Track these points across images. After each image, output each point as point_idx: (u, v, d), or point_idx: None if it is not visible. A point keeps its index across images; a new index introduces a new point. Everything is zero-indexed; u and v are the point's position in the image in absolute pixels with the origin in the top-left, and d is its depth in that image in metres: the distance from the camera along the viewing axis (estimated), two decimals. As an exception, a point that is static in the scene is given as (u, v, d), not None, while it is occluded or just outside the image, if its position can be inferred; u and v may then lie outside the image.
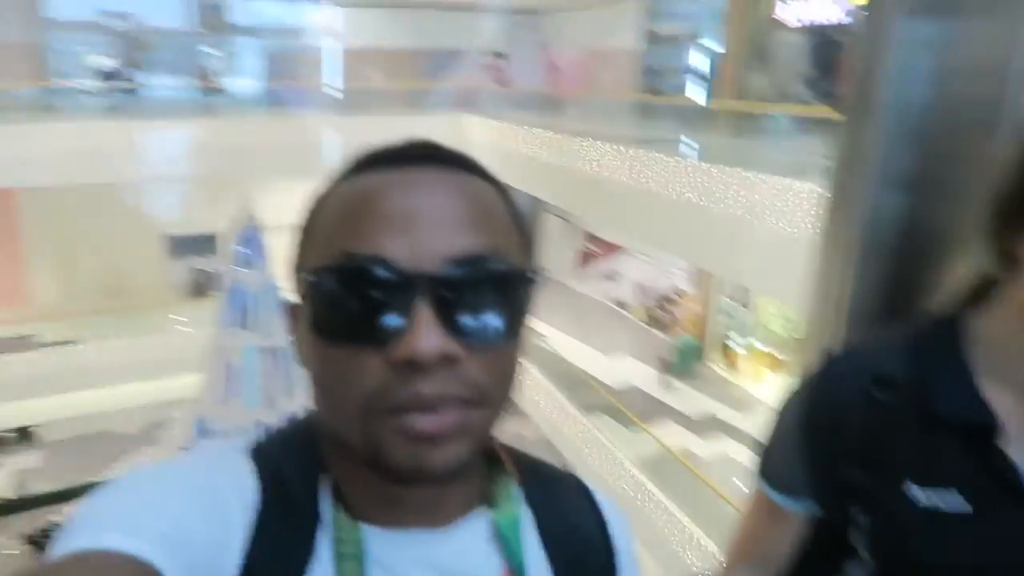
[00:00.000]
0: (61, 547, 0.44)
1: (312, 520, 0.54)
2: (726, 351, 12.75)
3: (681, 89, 13.36)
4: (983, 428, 0.76)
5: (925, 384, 0.78)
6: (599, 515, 0.67)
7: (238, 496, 0.53)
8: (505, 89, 15.15)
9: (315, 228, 0.55)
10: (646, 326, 13.69)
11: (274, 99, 14.96)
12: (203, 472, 0.54)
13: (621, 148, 9.46)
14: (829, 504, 0.87)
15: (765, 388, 12.03)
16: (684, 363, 12.40)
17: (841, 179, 1.17)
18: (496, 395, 0.53)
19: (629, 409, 9.92)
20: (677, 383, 12.16)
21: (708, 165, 7.98)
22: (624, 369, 12.75)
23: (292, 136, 12.35)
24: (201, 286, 14.93)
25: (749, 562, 0.97)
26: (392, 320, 0.49)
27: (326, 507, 0.55)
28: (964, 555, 0.78)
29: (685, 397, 11.87)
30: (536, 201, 16.47)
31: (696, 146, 10.09)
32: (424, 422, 0.49)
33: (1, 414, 11.29)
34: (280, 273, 5.59)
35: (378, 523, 0.56)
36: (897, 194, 1.12)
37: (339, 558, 0.53)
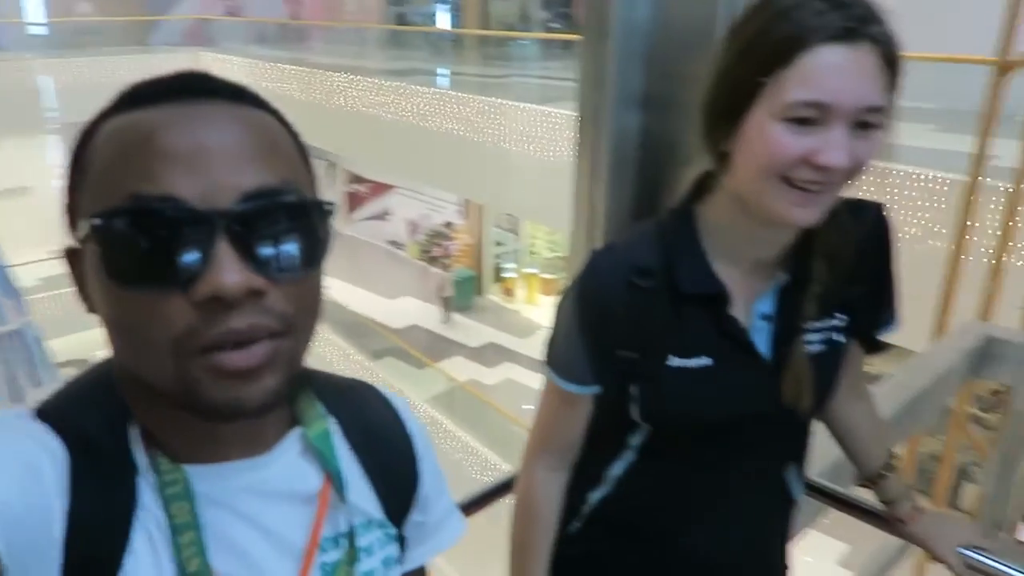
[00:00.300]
0: None
1: (128, 469, 0.54)
2: (502, 280, 13.27)
3: (427, 18, 13.26)
4: (715, 298, 0.90)
5: (672, 268, 0.90)
6: (396, 416, 0.71)
7: (48, 461, 0.50)
8: (240, 20, 14.04)
9: (91, 168, 0.52)
10: (423, 263, 13.81)
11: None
12: (11, 445, 0.50)
13: (376, 81, 9.25)
14: (610, 385, 0.96)
15: (540, 311, 12.75)
16: (463, 296, 12.73)
17: (587, 101, 1.22)
18: (303, 324, 0.54)
19: (415, 348, 10.04)
20: (459, 317, 12.48)
21: (466, 95, 8.06)
22: (406, 309, 12.82)
23: (-2, 84, 10.64)
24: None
25: (550, 450, 1.06)
26: (191, 259, 0.48)
27: (140, 454, 0.55)
28: (709, 402, 0.92)
29: (467, 330, 12.25)
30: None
31: (450, 76, 10.12)
32: (237, 358, 0.49)
33: None
34: (7, 246, 4.85)
35: (198, 460, 0.56)
36: (635, 112, 1.20)
37: (167, 501, 0.53)
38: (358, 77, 9.42)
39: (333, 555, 0.61)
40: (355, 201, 15.11)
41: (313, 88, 10.05)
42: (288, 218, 0.51)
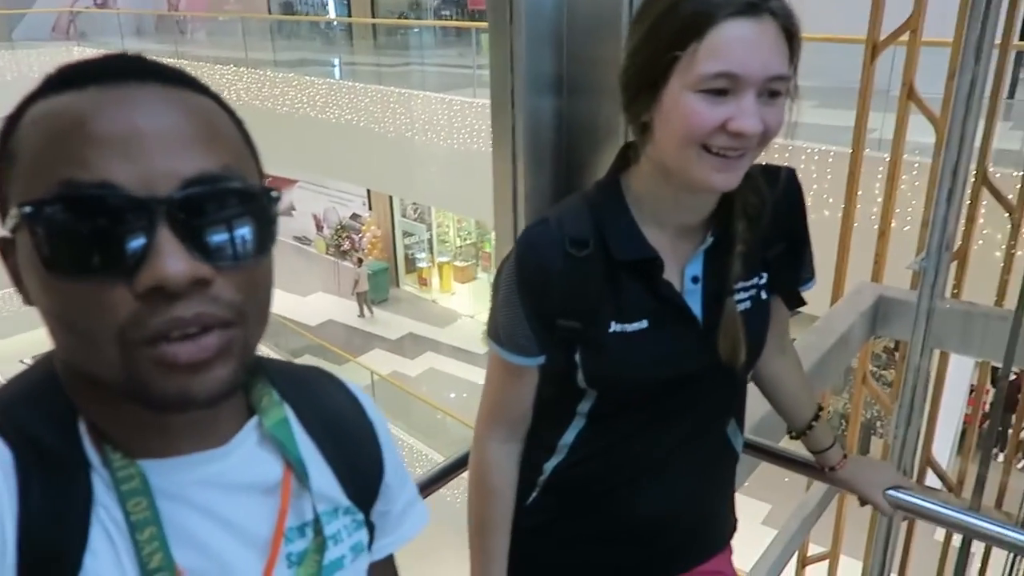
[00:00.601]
0: None
1: (80, 467, 0.52)
2: (416, 270, 13.17)
3: (316, 7, 12.90)
4: (649, 263, 0.93)
5: (605, 238, 0.93)
6: (356, 404, 0.70)
7: None
8: (112, 11, 13.25)
9: (18, 154, 0.49)
10: (333, 258, 13.53)
11: None
12: None
13: (266, 73, 8.96)
14: (554, 354, 0.98)
15: (457, 299, 12.72)
16: (377, 288, 12.56)
17: (499, 86, 1.21)
18: (254, 312, 0.52)
19: (333, 344, 9.84)
20: (376, 310, 12.30)
21: (363, 85, 7.91)
22: (319, 306, 12.56)
23: None
24: None
25: (500, 422, 1.07)
26: (132, 248, 0.46)
27: (91, 452, 0.53)
28: (649, 364, 0.96)
29: (386, 322, 12.10)
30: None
31: (344, 66, 9.91)
32: (184, 351, 0.48)
33: None
34: None
35: (150, 455, 0.54)
36: (547, 95, 1.20)
37: (124, 497, 0.51)
38: (245, 69, 9.09)
39: (300, 544, 0.60)
40: (255, 198, 14.62)
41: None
42: (232, 205, 0.50)
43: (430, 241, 13.24)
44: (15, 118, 0.51)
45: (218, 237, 0.49)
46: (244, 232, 0.50)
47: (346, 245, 13.28)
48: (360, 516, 0.67)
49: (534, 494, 1.08)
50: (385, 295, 12.73)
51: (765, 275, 1.01)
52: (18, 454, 0.50)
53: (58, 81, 0.50)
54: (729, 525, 1.17)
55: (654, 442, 1.03)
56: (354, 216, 13.40)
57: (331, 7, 12.70)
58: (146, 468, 0.53)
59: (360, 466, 0.67)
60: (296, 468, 0.60)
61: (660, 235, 0.94)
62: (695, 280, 0.96)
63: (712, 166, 0.84)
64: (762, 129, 0.82)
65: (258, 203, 0.52)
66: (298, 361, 9.28)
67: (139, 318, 0.47)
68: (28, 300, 0.52)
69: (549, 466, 1.06)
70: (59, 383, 0.54)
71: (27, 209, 0.46)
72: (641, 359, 0.95)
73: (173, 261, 0.46)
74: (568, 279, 0.92)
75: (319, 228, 13.89)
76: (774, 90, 0.82)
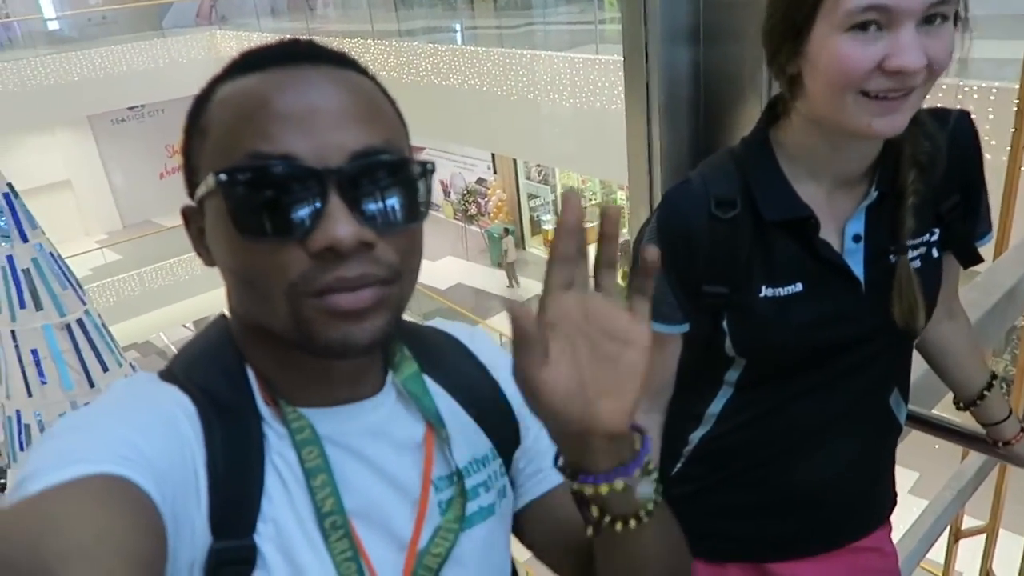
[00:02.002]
0: (36, 484, 0.44)
1: (254, 419, 0.57)
2: (541, 231, 13.20)
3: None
4: (802, 221, 0.87)
5: (754, 197, 0.88)
6: (463, 349, 0.74)
7: (184, 418, 0.54)
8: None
9: (210, 130, 0.56)
10: (460, 223, 13.80)
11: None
12: (148, 404, 0.55)
13: (391, 43, 9.14)
14: (700, 321, 0.94)
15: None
16: (495, 252, 12.69)
17: (632, 38, 1.17)
18: (407, 272, 0.57)
19: (463, 307, 10.08)
20: (519, 277, 12.38)
21: (485, 49, 7.92)
22: (449, 270, 12.87)
23: (16, 81, 10.77)
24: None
25: (643, 395, 1.02)
26: (307, 213, 0.52)
27: (261, 404, 0.59)
28: (804, 329, 0.90)
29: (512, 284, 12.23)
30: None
31: (465, 31, 9.92)
32: (347, 300, 0.53)
33: None
34: (53, 239, 4.94)
35: (315, 404, 0.60)
36: (684, 46, 1.15)
37: (299, 446, 0.57)
38: (372, 41, 9.32)
39: (447, 493, 0.64)
40: (385, 167, 15.08)
41: (332, 56, 10.01)
42: (392, 175, 0.55)
43: (554, 203, 13.21)
44: (204, 98, 0.57)
45: (380, 205, 0.54)
46: (403, 200, 0.55)
47: (472, 209, 13.49)
48: (499, 462, 0.69)
49: (679, 465, 1.05)
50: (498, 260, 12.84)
51: (937, 231, 0.92)
52: (200, 407, 0.56)
53: (242, 65, 0.56)
54: (889, 500, 1.10)
55: (809, 412, 0.97)
56: (480, 180, 13.57)
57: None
58: (314, 416, 0.59)
59: (493, 414, 0.70)
60: (432, 421, 0.65)
61: (816, 192, 0.89)
62: (857, 239, 0.90)
63: (872, 112, 0.76)
64: (925, 63, 0.73)
65: (415, 174, 0.56)
66: (428, 323, 9.69)
67: (310, 275, 0.52)
68: (209, 262, 0.59)
69: (695, 436, 1.03)
70: (232, 342, 0.61)
71: (222, 177, 0.52)
72: (794, 325, 0.90)
73: (343, 226, 0.51)
74: (714, 242, 0.88)
75: (446, 194, 14.18)
76: (935, 14, 0.73)
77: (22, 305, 4.76)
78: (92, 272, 10.74)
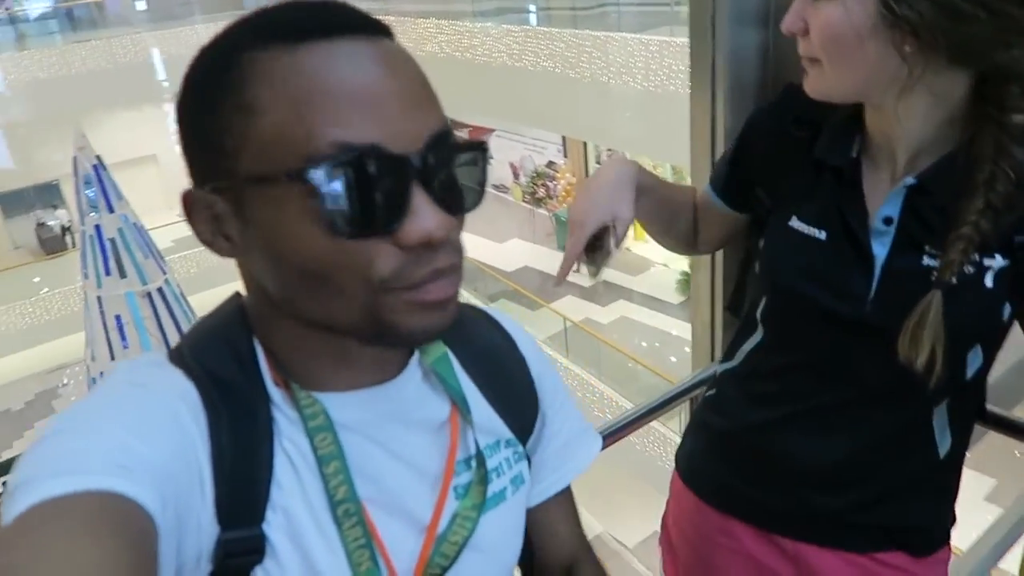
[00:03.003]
0: (29, 497, 0.42)
1: (263, 403, 0.55)
2: (607, 215, 13.08)
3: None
4: (843, 171, 0.88)
5: (820, 131, 0.90)
6: (507, 338, 0.72)
7: (186, 410, 0.52)
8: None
9: (261, 109, 0.49)
10: (528, 205, 13.79)
11: (70, 19, 13.47)
12: (149, 398, 0.52)
13: (465, 24, 9.14)
14: (737, 203, 1.05)
15: (649, 246, 12.52)
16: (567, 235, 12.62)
17: (698, 19, 1.14)
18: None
19: (528, 289, 10.10)
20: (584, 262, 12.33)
21: (557, 30, 7.85)
22: (515, 252, 12.90)
23: (108, 58, 11.24)
24: (53, 241, 13.83)
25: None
26: (397, 205, 0.49)
27: (272, 388, 0.56)
28: (813, 280, 0.89)
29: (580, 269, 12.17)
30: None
31: (539, 12, 9.84)
32: (439, 290, 0.52)
33: None
34: (138, 211, 5.17)
35: (335, 389, 0.57)
36: (752, 28, 1.12)
37: (311, 433, 0.55)
38: (446, 22, 9.34)
39: (465, 477, 0.63)
40: (455, 148, 15.18)
41: (403, 36, 10.04)
42: (460, 159, 0.53)
43: (625, 187, 13.05)
44: (229, 66, 0.50)
45: (454, 190, 0.53)
46: (471, 184, 0.54)
47: (541, 192, 13.46)
48: (520, 448, 0.69)
49: (711, 391, 1.11)
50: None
51: (1000, 258, 0.80)
52: (204, 391, 0.53)
53: (271, 31, 0.50)
54: (921, 530, 1.00)
55: (810, 388, 0.94)
56: (549, 164, 13.52)
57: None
58: (330, 401, 0.56)
59: (515, 398, 0.69)
60: (458, 402, 0.63)
61: (881, 157, 0.87)
62: (887, 221, 0.84)
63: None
64: (801, 27, 0.82)
65: (479, 155, 0.55)
66: (494, 305, 9.61)
67: (404, 271, 0.50)
68: (228, 252, 0.54)
69: (722, 368, 1.07)
70: (244, 323, 0.58)
71: (313, 169, 0.47)
72: (807, 270, 0.89)
73: (432, 217, 0.49)
74: (778, 151, 0.92)
75: (515, 176, 14.18)
76: None
77: (107, 272, 5.01)
78: (174, 244, 11.17)
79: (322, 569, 0.55)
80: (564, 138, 12.86)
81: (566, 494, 0.76)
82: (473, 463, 0.64)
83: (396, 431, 0.60)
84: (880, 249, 0.85)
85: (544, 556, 0.76)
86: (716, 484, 1.08)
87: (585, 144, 12.56)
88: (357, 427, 0.57)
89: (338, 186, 0.47)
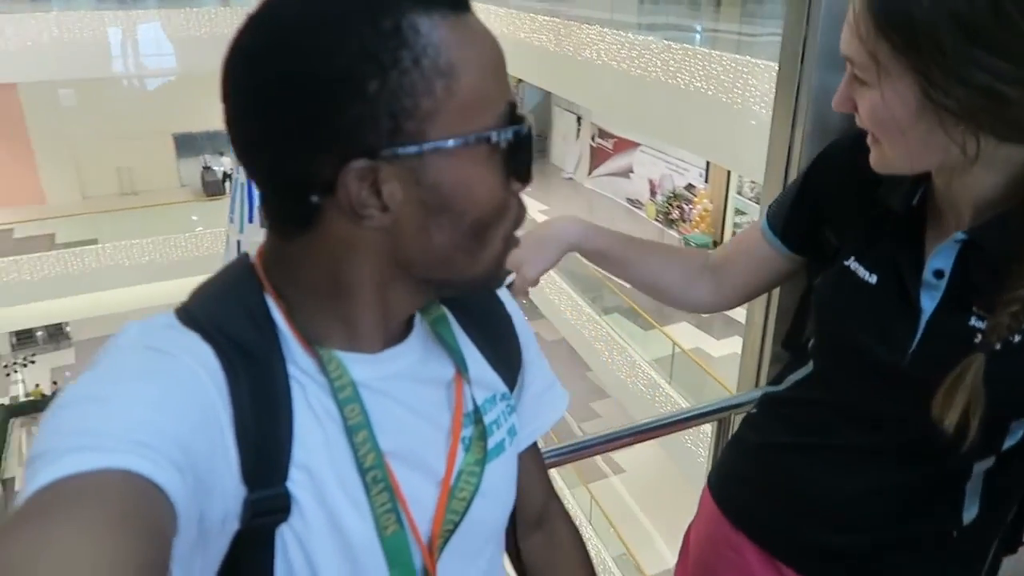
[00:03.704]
0: (46, 472, 0.41)
1: (279, 364, 0.56)
2: (738, 248, 12.68)
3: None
4: (903, 218, 0.87)
5: (883, 176, 0.88)
6: (493, 294, 0.76)
7: (207, 376, 0.52)
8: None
9: (460, 73, 0.52)
10: (659, 224, 13.62)
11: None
12: (167, 365, 0.51)
13: (626, 35, 9.11)
14: (798, 245, 1.04)
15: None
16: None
17: (788, 56, 1.16)
18: None
19: (644, 309, 10.00)
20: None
21: (716, 52, 7.70)
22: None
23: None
24: (214, 185, 14.95)
25: (711, 260, 1.14)
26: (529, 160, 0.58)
27: (293, 346, 0.57)
28: (857, 324, 0.90)
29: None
30: (547, 94, 16.13)
31: (705, 31, 9.67)
32: (516, 241, 0.62)
33: (31, 312, 11.61)
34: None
35: (351, 350, 0.60)
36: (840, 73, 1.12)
37: (341, 404, 0.57)
38: (608, 30, 9.36)
39: (468, 430, 0.67)
40: (599, 156, 15.22)
41: (565, 40, 10.17)
42: None
43: (761, 222, 12.61)
44: (401, 29, 0.50)
45: None
46: None
47: (675, 214, 13.26)
48: (512, 402, 0.73)
49: (754, 409, 1.13)
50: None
51: None
52: (222, 354, 0.53)
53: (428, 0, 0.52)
54: None
55: (843, 426, 0.95)
56: (688, 186, 13.28)
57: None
58: (351, 360, 0.59)
59: (505, 354, 0.74)
60: (457, 361, 0.67)
61: (942, 204, 0.86)
62: (938, 275, 0.84)
63: None
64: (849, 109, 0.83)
65: None
66: (607, 318, 9.43)
67: (520, 214, 0.60)
68: (375, 223, 0.53)
69: (769, 391, 1.08)
70: (256, 284, 0.58)
71: (517, 128, 0.56)
72: (850, 310, 0.89)
73: None
74: (848, 189, 0.92)
75: (652, 193, 14.03)
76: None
77: (250, 220, 5.41)
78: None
79: (348, 528, 0.57)
80: (708, 163, 12.60)
81: (535, 446, 0.82)
82: (473, 417, 0.67)
83: (411, 387, 0.63)
84: (928, 302, 0.84)
85: (519, 506, 0.79)
86: (736, 498, 1.11)
87: (729, 173, 12.26)
88: (376, 385, 0.60)
89: (524, 141, 0.56)
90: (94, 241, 11.75)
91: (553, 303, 10.66)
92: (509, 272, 1.03)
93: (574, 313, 10.24)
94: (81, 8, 11.83)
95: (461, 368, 0.67)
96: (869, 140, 0.83)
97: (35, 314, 11.82)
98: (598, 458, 10.76)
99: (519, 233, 0.62)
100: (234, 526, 0.52)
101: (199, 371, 0.51)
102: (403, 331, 0.64)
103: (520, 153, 0.56)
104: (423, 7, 0.51)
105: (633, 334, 9.67)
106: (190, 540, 0.46)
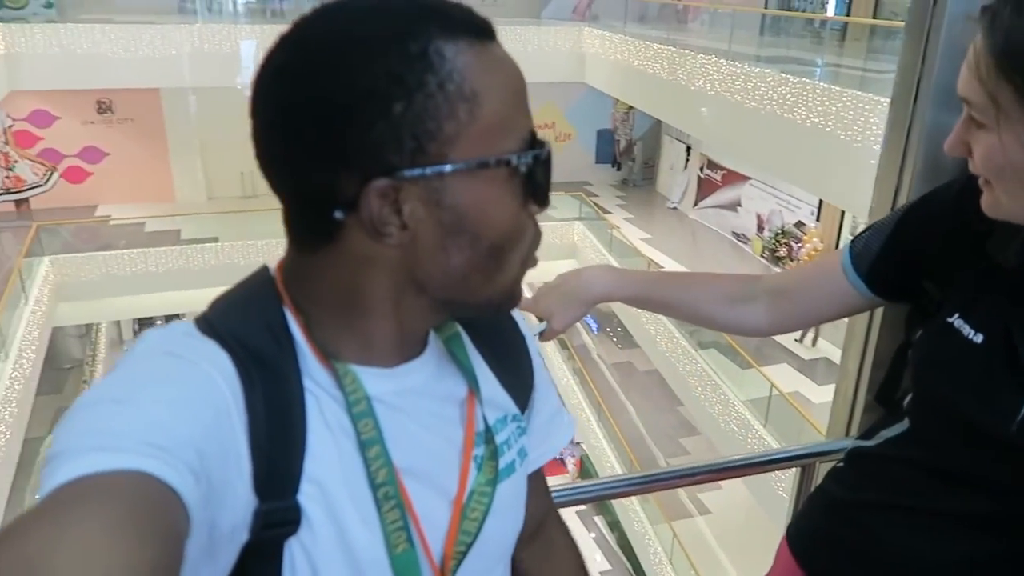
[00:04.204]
0: (64, 471, 0.41)
1: (295, 376, 0.56)
2: (847, 291, 12.15)
3: (817, 5, 12.38)
4: (1013, 274, 0.82)
5: (994, 226, 0.84)
6: (508, 316, 0.76)
7: (224, 383, 0.52)
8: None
9: (483, 97, 0.53)
10: (765, 261, 13.24)
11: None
12: (183, 370, 0.51)
13: (742, 67, 8.95)
14: (889, 296, 0.99)
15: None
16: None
17: (901, 95, 1.11)
18: None
19: (743, 347, 9.73)
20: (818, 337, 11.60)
21: (838, 88, 7.45)
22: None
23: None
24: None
25: (769, 284, 1.10)
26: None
27: (309, 358, 0.58)
28: (960, 387, 0.85)
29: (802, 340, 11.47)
30: (657, 122, 16.02)
31: (826, 66, 9.36)
32: (534, 264, 0.63)
33: (153, 302, 12.42)
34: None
35: (366, 364, 0.60)
36: (954, 112, 1.07)
37: (355, 418, 0.57)
38: (723, 61, 9.22)
39: (480, 449, 0.66)
40: (707, 187, 14.96)
41: (679, 69, 10.09)
42: None
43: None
44: (427, 55, 0.52)
45: None
46: None
47: (782, 251, 12.84)
48: (524, 424, 0.72)
49: (839, 463, 1.07)
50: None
51: None
52: (239, 362, 0.54)
53: (452, 25, 0.53)
54: None
55: (936, 490, 0.90)
56: (798, 224, 12.85)
57: (831, 5, 12.13)
58: (367, 375, 0.59)
59: (519, 375, 0.74)
60: (469, 379, 0.67)
61: None
62: None
63: None
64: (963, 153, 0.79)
65: None
66: (703, 352, 9.20)
67: (536, 237, 0.61)
68: (394, 241, 0.54)
69: (857, 445, 1.03)
70: (275, 295, 0.59)
71: (539, 152, 0.57)
72: (952, 372, 0.84)
73: None
74: (953, 240, 0.87)
75: (759, 229, 13.66)
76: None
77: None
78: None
79: (357, 544, 0.57)
80: (821, 201, 12.16)
81: (540, 474, 0.81)
82: (483, 437, 0.67)
83: (425, 403, 0.63)
84: None
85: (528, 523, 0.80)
86: (817, 557, 1.06)
87: (843, 212, 11.78)
88: (390, 400, 0.60)
89: (543, 166, 0.57)
90: (215, 239, 12.45)
91: (649, 333, 10.50)
92: (543, 320, 1.06)
93: (669, 345, 10.04)
94: (224, 21, 12.74)
95: (473, 387, 0.67)
96: (981, 182, 0.80)
97: (157, 304, 12.59)
98: (684, 497, 10.49)
99: (539, 257, 0.63)
100: (243, 536, 0.52)
101: (216, 377, 0.52)
102: (418, 347, 0.65)
103: (539, 178, 0.57)
104: (450, 33, 0.53)
105: (729, 372, 9.39)
106: (200, 546, 0.46)
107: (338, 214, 0.54)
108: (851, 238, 1.03)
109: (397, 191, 0.53)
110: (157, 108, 14.15)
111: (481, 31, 0.55)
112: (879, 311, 1.20)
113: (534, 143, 0.57)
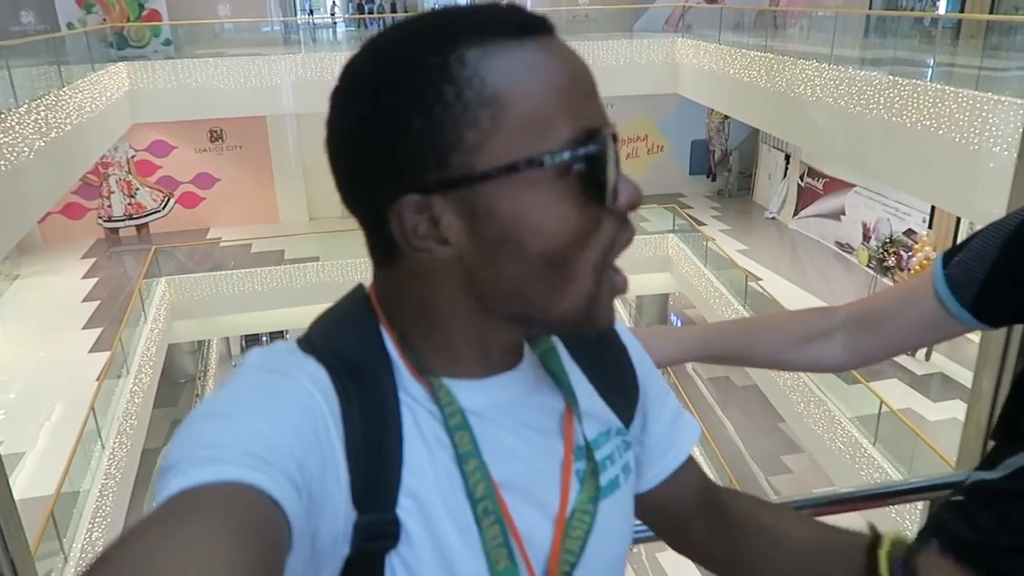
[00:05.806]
0: (175, 482, 0.43)
1: (391, 390, 0.57)
2: (965, 303, 11.41)
3: (925, 2, 11.76)
4: None
5: None
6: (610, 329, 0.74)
7: (321, 397, 0.53)
8: (717, 6, 14.18)
9: (509, 100, 0.51)
10: (872, 271, 12.61)
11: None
12: (284, 387, 0.52)
13: (845, 70, 8.60)
14: (1000, 323, 0.91)
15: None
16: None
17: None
18: None
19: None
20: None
21: (953, 89, 7.04)
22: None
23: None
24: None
25: (846, 316, 1.00)
26: (617, 177, 0.54)
27: (403, 374, 0.58)
28: None
29: (917, 356, 10.85)
30: (753, 131, 15.60)
31: (938, 66, 8.85)
32: (622, 281, 0.57)
33: (259, 320, 13.03)
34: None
35: (459, 376, 0.59)
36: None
37: (451, 432, 0.56)
38: (825, 65, 8.88)
39: (581, 464, 0.64)
40: (807, 196, 14.42)
41: (777, 76, 9.79)
42: None
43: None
44: (449, 64, 0.51)
45: None
46: None
47: (891, 261, 12.18)
48: (628, 437, 0.70)
49: (958, 496, 0.97)
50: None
51: None
52: (336, 377, 0.54)
53: (481, 27, 0.52)
54: None
55: None
56: (908, 232, 12.19)
57: (943, 2, 11.50)
58: (460, 388, 0.58)
59: (621, 387, 0.71)
60: (566, 394, 0.64)
61: None
62: None
63: None
64: None
65: None
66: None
67: (617, 236, 0.55)
68: (439, 255, 0.54)
69: (977, 476, 0.94)
70: (371, 313, 0.60)
71: (589, 147, 0.52)
72: None
73: (633, 182, 0.55)
74: None
75: (865, 238, 13.04)
76: None
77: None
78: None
79: (456, 560, 0.56)
80: (933, 208, 11.50)
81: (689, 460, 0.78)
82: (583, 452, 0.64)
83: (522, 416, 0.61)
84: None
85: (671, 512, 0.80)
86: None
87: (959, 219, 11.10)
88: (485, 412, 0.59)
89: (595, 163, 0.52)
90: (316, 259, 12.96)
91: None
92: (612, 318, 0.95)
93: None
94: (324, 50, 13.29)
95: (571, 402, 0.65)
96: None
97: (262, 321, 13.21)
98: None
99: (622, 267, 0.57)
100: (344, 550, 0.53)
101: (313, 391, 0.52)
102: (511, 359, 0.63)
103: (596, 175, 0.52)
104: (477, 37, 0.51)
105: (834, 387, 8.97)
106: (303, 558, 0.47)
107: (391, 231, 0.54)
108: (941, 259, 0.91)
109: (430, 206, 0.52)
110: (263, 135, 14.93)
111: (523, 28, 0.53)
112: (1017, 328, 1.09)
113: (587, 139, 0.52)
